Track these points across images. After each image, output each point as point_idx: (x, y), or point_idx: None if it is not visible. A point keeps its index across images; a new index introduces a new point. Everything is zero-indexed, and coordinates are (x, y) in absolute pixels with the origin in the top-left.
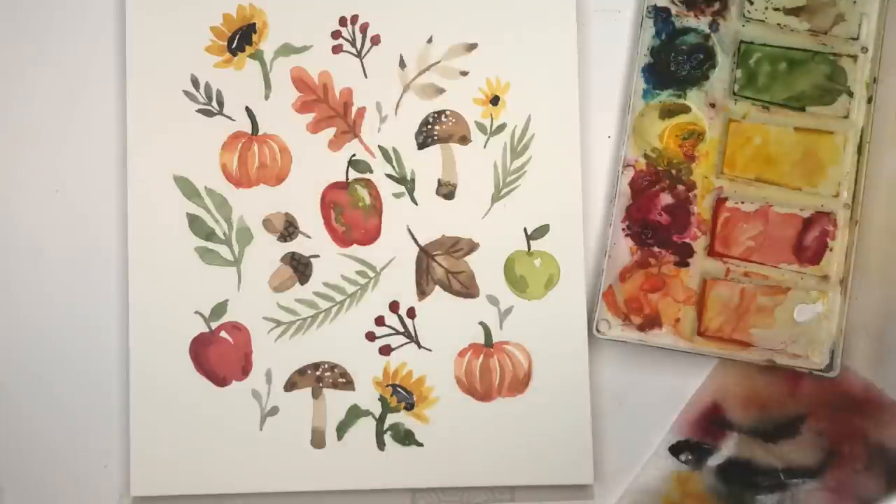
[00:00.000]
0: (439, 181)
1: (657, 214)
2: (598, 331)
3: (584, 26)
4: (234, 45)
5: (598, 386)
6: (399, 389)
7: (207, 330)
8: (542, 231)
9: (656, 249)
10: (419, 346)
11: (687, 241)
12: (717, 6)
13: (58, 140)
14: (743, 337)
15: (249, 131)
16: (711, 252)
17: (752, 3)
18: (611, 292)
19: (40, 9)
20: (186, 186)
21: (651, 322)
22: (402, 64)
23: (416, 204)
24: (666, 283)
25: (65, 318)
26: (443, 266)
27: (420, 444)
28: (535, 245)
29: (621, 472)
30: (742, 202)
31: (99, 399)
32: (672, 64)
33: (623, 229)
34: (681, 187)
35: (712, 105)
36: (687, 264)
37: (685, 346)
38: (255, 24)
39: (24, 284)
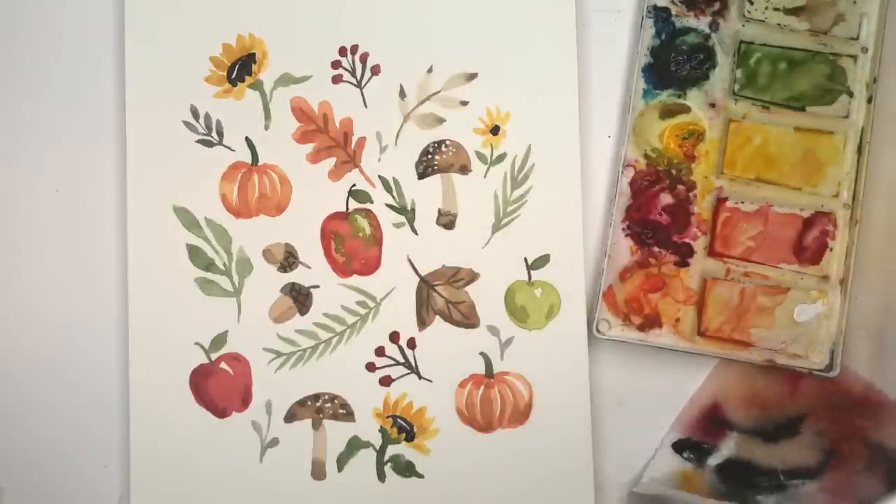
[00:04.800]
0: (440, 211)
1: (657, 214)
2: (598, 331)
3: (584, 26)
4: (234, 76)
5: (598, 386)
6: (399, 421)
7: (207, 361)
8: (542, 261)
9: (656, 249)
10: (419, 377)
11: (687, 241)
12: (717, 6)
13: (58, 140)
14: (743, 337)
15: (249, 162)
16: (711, 252)
17: (752, 3)
18: (611, 292)
19: (39, 25)
20: (186, 217)
21: (651, 322)
22: (403, 94)
23: (417, 234)
24: (666, 283)
25: (65, 318)
26: (443, 296)
27: (421, 476)
28: (536, 275)
29: (621, 472)
30: (742, 202)
31: (97, 428)
32: (672, 64)
33: (623, 229)
34: (681, 187)
35: (712, 105)
36: (687, 264)
37: (685, 346)
38: (254, 54)
39: (24, 284)
